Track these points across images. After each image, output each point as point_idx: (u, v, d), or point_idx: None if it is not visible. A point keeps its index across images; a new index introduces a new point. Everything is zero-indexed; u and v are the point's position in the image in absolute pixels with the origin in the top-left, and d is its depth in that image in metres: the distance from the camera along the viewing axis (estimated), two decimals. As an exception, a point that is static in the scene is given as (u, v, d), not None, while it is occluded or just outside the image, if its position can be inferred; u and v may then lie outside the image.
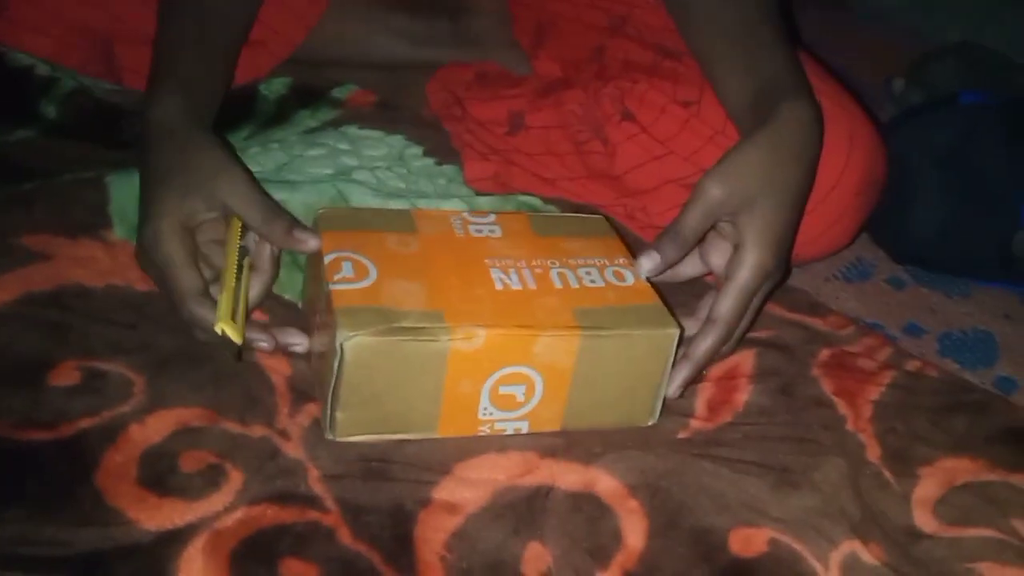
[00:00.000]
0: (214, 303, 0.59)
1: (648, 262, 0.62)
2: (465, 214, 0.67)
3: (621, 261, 0.65)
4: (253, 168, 0.79)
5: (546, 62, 0.91)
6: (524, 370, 0.58)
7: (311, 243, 0.61)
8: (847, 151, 0.72)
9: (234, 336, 0.57)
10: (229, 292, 0.59)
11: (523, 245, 0.64)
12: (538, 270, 0.62)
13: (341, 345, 0.53)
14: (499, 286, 0.60)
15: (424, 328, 0.55)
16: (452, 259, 0.62)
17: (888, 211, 0.82)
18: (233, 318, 0.58)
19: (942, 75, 1.19)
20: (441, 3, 0.96)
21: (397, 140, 0.87)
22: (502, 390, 0.58)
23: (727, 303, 0.62)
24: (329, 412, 0.57)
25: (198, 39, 0.71)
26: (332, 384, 0.55)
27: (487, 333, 0.56)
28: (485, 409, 0.59)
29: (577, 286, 0.61)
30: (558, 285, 0.61)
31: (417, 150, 0.86)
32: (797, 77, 0.69)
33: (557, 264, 0.63)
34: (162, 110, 0.64)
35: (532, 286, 0.61)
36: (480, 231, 0.65)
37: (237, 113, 0.88)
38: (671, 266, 0.63)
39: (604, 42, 0.85)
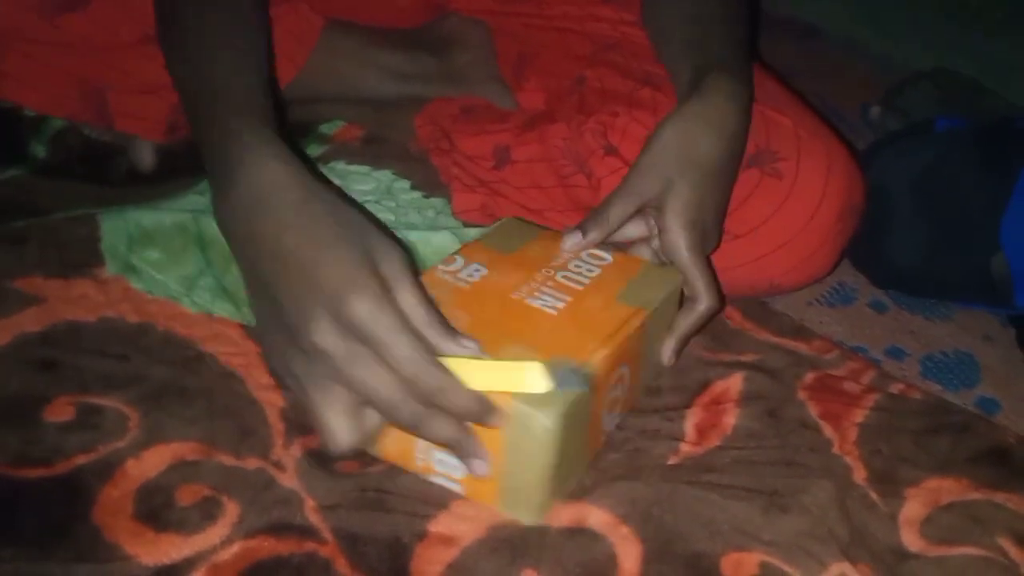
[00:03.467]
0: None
1: (571, 240, 0.67)
2: (440, 267, 0.64)
3: None
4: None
5: (529, 93, 0.92)
6: (623, 370, 0.62)
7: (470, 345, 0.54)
8: (825, 178, 0.74)
9: (541, 381, 0.52)
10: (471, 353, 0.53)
11: (511, 270, 0.65)
12: (550, 283, 0.64)
13: (543, 425, 0.52)
14: (552, 312, 0.61)
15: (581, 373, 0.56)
16: (493, 310, 0.60)
17: (867, 237, 0.83)
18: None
19: (917, 101, 1.20)
20: (427, 40, 0.97)
21: (385, 174, 0.88)
22: (610, 395, 0.61)
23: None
24: (529, 500, 0.56)
25: (247, 80, 0.61)
26: (537, 473, 0.55)
27: (607, 352, 0.58)
28: (602, 419, 0.61)
29: (588, 280, 0.64)
30: (578, 287, 0.63)
31: (405, 184, 0.87)
32: (732, 63, 0.71)
33: (553, 271, 0.65)
34: (270, 172, 0.54)
35: (568, 297, 0.62)
36: (472, 275, 0.63)
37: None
38: (593, 246, 0.68)
39: (584, 72, 0.86)
